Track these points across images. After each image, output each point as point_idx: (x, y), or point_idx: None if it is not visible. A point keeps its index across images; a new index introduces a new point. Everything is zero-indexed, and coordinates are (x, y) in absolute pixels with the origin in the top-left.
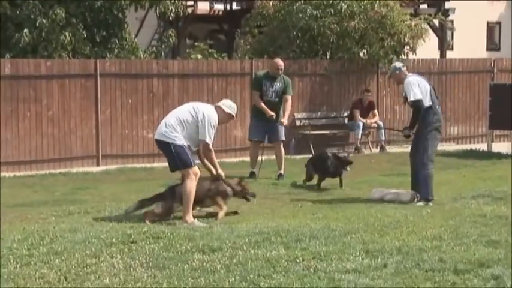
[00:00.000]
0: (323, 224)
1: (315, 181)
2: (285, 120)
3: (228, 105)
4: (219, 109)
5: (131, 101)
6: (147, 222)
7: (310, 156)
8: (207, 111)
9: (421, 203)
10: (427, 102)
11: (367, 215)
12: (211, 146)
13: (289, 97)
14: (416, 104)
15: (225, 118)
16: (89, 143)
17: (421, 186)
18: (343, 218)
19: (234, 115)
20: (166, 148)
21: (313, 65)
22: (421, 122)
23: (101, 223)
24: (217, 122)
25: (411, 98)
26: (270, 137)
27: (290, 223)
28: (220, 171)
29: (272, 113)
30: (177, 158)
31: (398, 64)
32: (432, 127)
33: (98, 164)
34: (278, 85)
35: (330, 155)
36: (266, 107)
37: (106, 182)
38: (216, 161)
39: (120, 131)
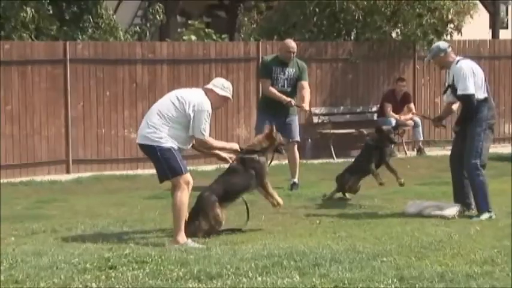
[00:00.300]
0: (347, 245)
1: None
2: (306, 105)
3: (221, 85)
4: (210, 93)
5: (109, 93)
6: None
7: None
8: (195, 100)
9: (485, 216)
10: (482, 94)
11: (401, 234)
12: (208, 139)
13: (306, 83)
14: (467, 100)
15: (219, 102)
16: (57, 145)
17: (478, 196)
18: (371, 238)
19: (230, 96)
20: (151, 153)
21: (335, 48)
22: (475, 117)
23: (72, 244)
24: (210, 111)
25: (461, 91)
26: (281, 136)
27: (306, 244)
28: (232, 147)
29: (289, 99)
30: (164, 164)
31: (442, 44)
32: (486, 125)
33: (68, 171)
34: (291, 71)
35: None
36: (281, 94)
37: (78, 194)
38: (220, 144)
39: (95, 131)
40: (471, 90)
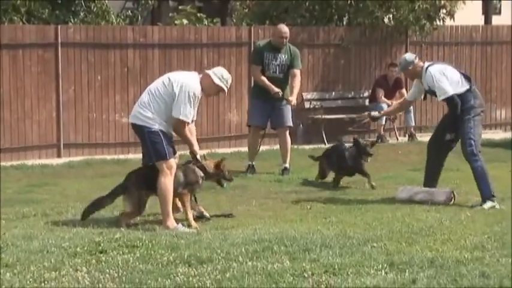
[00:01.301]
0: (338, 230)
1: (329, 178)
2: (293, 99)
3: (220, 74)
4: (206, 78)
5: (100, 77)
6: (123, 226)
7: (325, 148)
8: (185, 81)
9: (489, 204)
10: (462, 87)
11: (392, 219)
12: (185, 124)
13: (297, 71)
14: (451, 101)
15: (212, 90)
16: (48, 129)
17: (480, 182)
18: (362, 223)
19: (226, 89)
20: (140, 134)
21: (327, 33)
22: (464, 107)
23: (62, 228)
24: (198, 95)
25: (441, 96)
26: (273, 121)
27: (297, 229)
28: (195, 147)
29: (277, 89)
30: (150, 146)
31: (409, 56)
32: (474, 113)
33: (59, 155)
34: (283, 57)
35: (346, 146)
36: (270, 83)
37: (69, 178)
38: (191, 139)
39: (86, 115)
40: (450, 91)
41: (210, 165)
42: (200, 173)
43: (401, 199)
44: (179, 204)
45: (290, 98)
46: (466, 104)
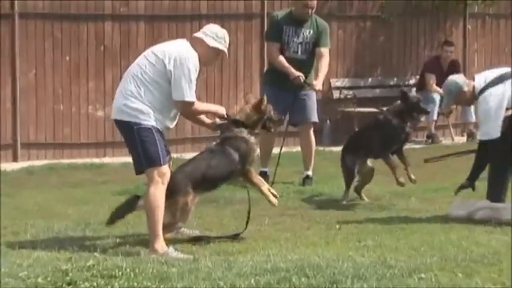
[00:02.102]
0: (375, 257)
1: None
2: (319, 84)
3: (213, 34)
4: (198, 43)
5: (69, 58)
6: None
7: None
8: (176, 52)
9: None
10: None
11: (445, 243)
12: (194, 103)
13: (325, 51)
14: (486, 146)
15: (210, 56)
16: (1, 124)
17: None
18: (406, 248)
19: (225, 49)
20: (127, 132)
21: (362, 1)
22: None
23: (19, 252)
24: (197, 66)
25: (481, 136)
26: (293, 116)
27: (322, 255)
28: (218, 111)
29: (298, 73)
30: (140, 149)
31: (459, 79)
32: None
33: (15, 159)
34: (307, 33)
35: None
36: (289, 65)
37: (28, 187)
38: (205, 106)
39: (51, 106)
40: (494, 133)
41: (246, 111)
42: (245, 134)
43: (456, 217)
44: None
45: (314, 82)
46: None
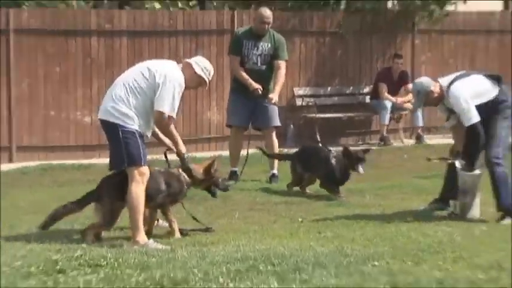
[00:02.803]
0: (333, 247)
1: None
2: (275, 97)
3: (202, 65)
4: (187, 68)
5: (59, 69)
6: (89, 241)
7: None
8: (168, 70)
9: (507, 221)
10: (491, 93)
11: (395, 235)
12: (171, 119)
13: (282, 63)
14: (473, 131)
15: (193, 82)
16: None
17: (499, 190)
18: (361, 239)
19: (207, 81)
20: (112, 132)
21: (322, 19)
22: (492, 108)
23: (14, 245)
24: (183, 86)
25: (466, 123)
26: (257, 121)
27: (286, 245)
28: (181, 147)
29: (257, 85)
30: (124, 149)
31: (425, 81)
32: (507, 112)
33: (10, 160)
34: (265, 46)
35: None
36: (248, 77)
37: (22, 186)
38: (177, 136)
39: (42, 113)
40: (475, 117)
41: (198, 170)
42: (186, 180)
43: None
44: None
45: (271, 96)
46: (499, 104)
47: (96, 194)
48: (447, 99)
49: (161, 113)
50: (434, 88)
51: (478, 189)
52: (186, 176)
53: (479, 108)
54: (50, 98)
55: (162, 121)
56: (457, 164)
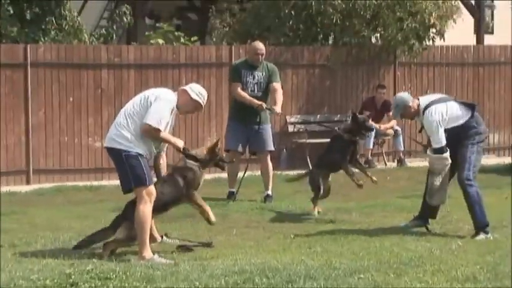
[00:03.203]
0: (323, 261)
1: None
2: (278, 108)
3: (197, 90)
4: (183, 94)
5: (72, 99)
6: (107, 252)
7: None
8: (160, 93)
9: (481, 236)
10: (463, 119)
11: (379, 249)
12: (155, 129)
13: (277, 84)
14: (439, 152)
15: (189, 106)
16: (17, 154)
17: (474, 210)
18: (348, 253)
19: (202, 104)
20: (117, 158)
21: (311, 53)
22: (463, 133)
23: (31, 259)
24: (174, 105)
25: (433, 144)
26: (253, 146)
27: (280, 259)
28: (178, 142)
29: (260, 102)
30: (129, 171)
31: (405, 96)
32: (479, 138)
33: (28, 182)
34: (260, 75)
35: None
36: (251, 97)
37: (39, 206)
38: (169, 137)
39: (57, 139)
40: (442, 141)
41: (201, 152)
42: (194, 166)
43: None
44: (155, 233)
45: (275, 107)
46: (470, 130)
47: (123, 216)
48: (421, 117)
49: (147, 125)
50: (412, 104)
51: (447, 174)
52: (194, 163)
53: (452, 131)
54: (64, 125)
55: (149, 132)
56: (428, 151)
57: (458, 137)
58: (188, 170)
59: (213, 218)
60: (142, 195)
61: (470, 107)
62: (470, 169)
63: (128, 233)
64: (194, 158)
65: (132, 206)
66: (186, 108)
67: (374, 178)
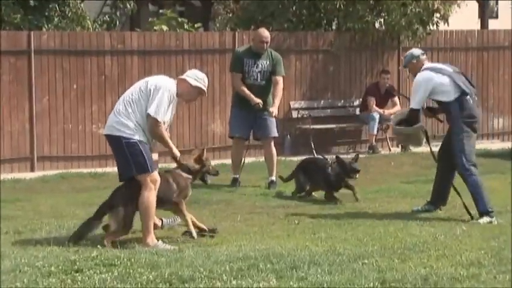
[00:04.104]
0: (327, 247)
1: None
2: (274, 110)
3: (194, 76)
4: (182, 83)
5: (76, 86)
6: (108, 245)
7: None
8: (159, 81)
9: (485, 220)
10: (451, 96)
11: (384, 235)
12: (160, 122)
13: (280, 78)
14: (412, 114)
15: (191, 94)
16: (21, 141)
17: (475, 197)
18: (353, 239)
19: (205, 89)
20: (117, 145)
21: (315, 38)
22: (448, 118)
23: (36, 247)
24: (173, 94)
25: (410, 104)
26: (257, 132)
27: (284, 245)
28: (175, 150)
29: (258, 100)
30: (130, 159)
31: (416, 51)
32: (461, 124)
33: (32, 169)
34: (264, 63)
35: (329, 161)
36: (250, 93)
37: (43, 193)
38: (169, 141)
39: (61, 126)
40: (417, 105)
41: (190, 162)
42: (188, 176)
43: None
44: (157, 221)
45: (271, 109)
46: (452, 112)
47: (108, 205)
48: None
49: (149, 117)
50: (418, 61)
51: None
52: (186, 174)
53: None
54: (68, 112)
55: (149, 125)
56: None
57: (448, 120)
58: (183, 178)
59: (194, 233)
60: (146, 182)
61: (460, 91)
62: (462, 158)
63: (119, 221)
64: (187, 169)
65: (118, 192)
66: (189, 97)
67: (358, 197)
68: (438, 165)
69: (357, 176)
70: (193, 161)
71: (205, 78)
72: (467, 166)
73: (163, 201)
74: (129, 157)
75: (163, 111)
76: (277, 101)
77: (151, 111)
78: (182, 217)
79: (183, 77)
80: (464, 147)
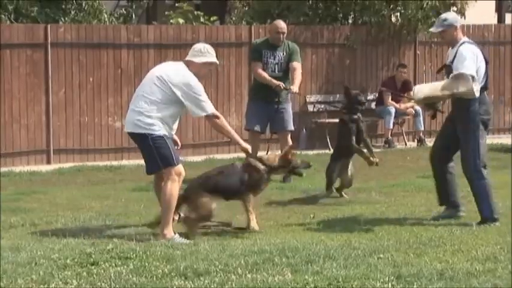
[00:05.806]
0: (342, 241)
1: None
2: (295, 88)
3: (198, 51)
4: (191, 65)
5: (92, 79)
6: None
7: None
8: (177, 79)
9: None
10: (478, 86)
11: (399, 229)
12: (216, 114)
13: (298, 64)
14: (464, 77)
15: (203, 70)
16: (37, 134)
17: (480, 201)
18: (368, 233)
19: (214, 59)
20: (142, 142)
21: (331, 32)
22: (465, 113)
23: (51, 239)
24: (198, 83)
25: (462, 69)
26: (274, 125)
27: (299, 239)
28: (242, 143)
29: (279, 82)
30: (156, 153)
31: (452, 17)
32: (479, 121)
33: (48, 162)
34: (281, 55)
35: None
36: (270, 78)
37: (59, 185)
38: (233, 134)
39: (77, 119)
40: (472, 70)
41: (272, 158)
42: (264, 170)
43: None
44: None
45: (292, 87)
46: (470, 106)
47: (183, 196)
48: (456, 49)
49: (207, 116)
50: (458, 29)
51: None
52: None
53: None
54: (84, 105)
55: (212, 124)
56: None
57: (461, 115)
58: (256, 172)
59: (256, 227)
60: (171, 174)
61: (485, 83)
62: (477, 158)
63: (198, 211)
64: (263, 163)
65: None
66: (202, 75)
67: (374, 160)
68: (433, 165)
69: (362, 109)
70: (280, 158)
71: (209, 48)
72: (478, 168)
73: (231, 193)
74: (154, 152)
75: (209, 102)
76: (297, 81)
77: (204, 110)
78: (245, 210)
79: (189, 58)
80: (480, 146)
